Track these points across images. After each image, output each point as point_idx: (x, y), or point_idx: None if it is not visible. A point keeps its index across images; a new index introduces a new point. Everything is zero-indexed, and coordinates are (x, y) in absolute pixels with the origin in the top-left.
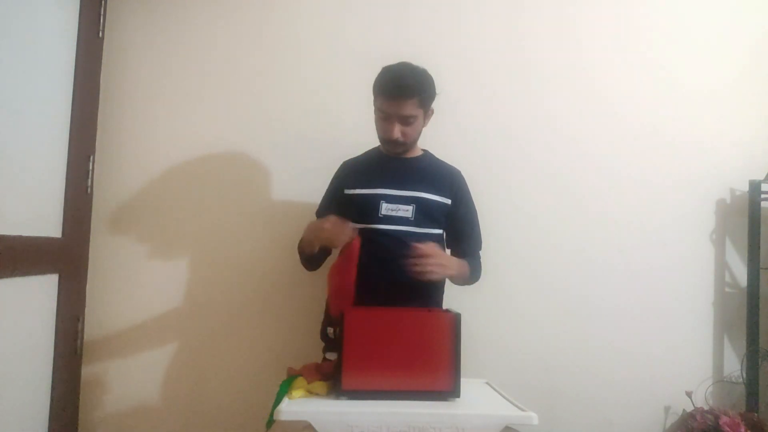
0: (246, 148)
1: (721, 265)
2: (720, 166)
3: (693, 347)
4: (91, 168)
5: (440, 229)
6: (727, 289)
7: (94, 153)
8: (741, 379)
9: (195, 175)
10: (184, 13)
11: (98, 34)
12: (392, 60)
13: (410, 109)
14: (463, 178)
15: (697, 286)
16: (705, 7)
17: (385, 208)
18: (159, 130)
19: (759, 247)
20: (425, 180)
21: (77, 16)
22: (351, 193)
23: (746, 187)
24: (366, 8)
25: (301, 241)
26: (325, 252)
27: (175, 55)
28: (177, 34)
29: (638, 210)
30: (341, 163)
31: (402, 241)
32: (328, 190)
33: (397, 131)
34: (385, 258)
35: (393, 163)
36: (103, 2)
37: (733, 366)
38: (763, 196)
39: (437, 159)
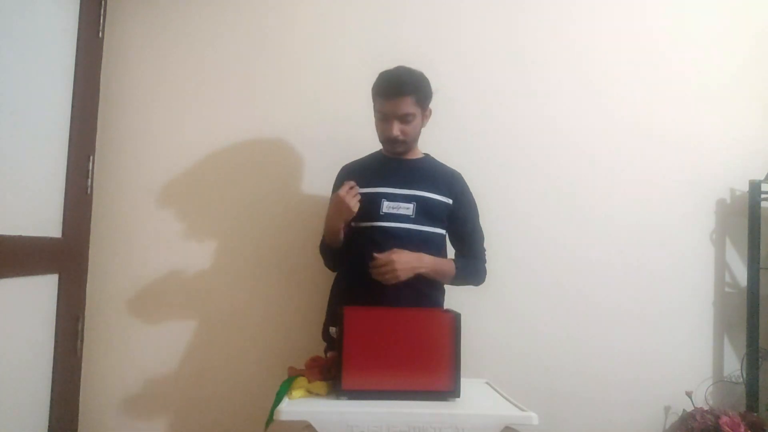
0: (246, 148)
1: (721, 265)
2: (720, 166)
3: (693, 347)
4: (91, 168)
5: (442, 229)
6: (727, 289)
7: (94, 153)
8: (741, 379)
9: (195, 175)
10: (184, 13)
11: (98, 34)
12: (392, 59)
13: (407, 107)
14: (464, 180)
15: (697, 286)
16: (705, 7)
17: (386, 206)
18: (159, 129)
19: (759, 247)
20: (426, 180)
21: (77, 16)
22: None
23: (746, 187)
24: (366, 9)
25: (323, 237)
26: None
27: (175, 55)
28: (177, 34)
29: (638, 210)
30: (341, 167)
31: (403, 239)
32: (332, 194)
33: (396, 129)
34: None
35: (394, 164)
36: (103, 2)
37: (733, 366)
38: (763, 196)
39: (438, 162)
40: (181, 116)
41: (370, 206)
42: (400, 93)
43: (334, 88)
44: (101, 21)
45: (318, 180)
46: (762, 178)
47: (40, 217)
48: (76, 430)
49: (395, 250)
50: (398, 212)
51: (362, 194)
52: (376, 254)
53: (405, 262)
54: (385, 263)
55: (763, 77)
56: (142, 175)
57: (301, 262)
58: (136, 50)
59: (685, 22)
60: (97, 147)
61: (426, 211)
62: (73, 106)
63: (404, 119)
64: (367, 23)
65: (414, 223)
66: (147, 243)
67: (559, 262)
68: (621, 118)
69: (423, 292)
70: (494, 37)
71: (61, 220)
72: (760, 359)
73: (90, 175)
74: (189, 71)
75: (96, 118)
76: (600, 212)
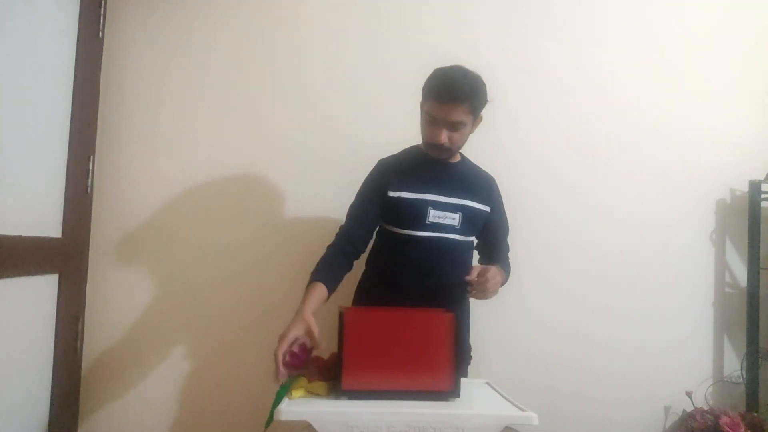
0: (246, 149)
1: (721, 265)
2: (720, 166)
3: (693, 347)
4: (91, 168)
5: (475, 236)
6: (727, 289)
7: (94, 153)
8: (741, 379)
9: (195, 175)
10: (184, 13)
11: (98, 34)
12: (394, 64)
13: (459, 115)
14: (497, 185)
15: (697, 286)
16: (704, 8)
17: (433, 215)
18: (159, 129)
19: (759, 247)
20: (468, 187)
21: (77, 16)
22: (396, 196)
23: (746, 187)
24: (369, 12)
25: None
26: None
27: (175, 55)
28: (177, 34)
29: (639, 210)
30: (377, 161)
31: (446, 249)
32: (365, 189)
33: (444, 136)
34: (428, 265)
35: (438, 168)
36: (103, 2)
37: (733, 366)
38: (763, 196)
39: (475, 165)
40: (181, 116)
41: (416, 213)
42: (454, 100)
43: (336, 90)
44: (101, 21)
45: (322, 180)
46: (762, 178)
47: (40, 217)
48: (76, 430)
49: (488, 267)
50: (444, 222)
51: (408, 199)
52: (479, 272)
53: (497, 276)
54: (492, 277)
55: (763, 77)
56: (142, 175)
57: (302, 262)
58: (136, 50)
59: (686, 23)
60: (97, 147)
61: (469, 221)
62: (73, 106)
63: (454, 127)
64: (371, 26)
65: (458, 233)
66: (147, 243)
67: (559, 262)
68: (622, 118)
69: (458, 299)
70: (500, 40)
71: (61, 220)
72: (760, 359)
73: (90, 175)
74: (189, 71)
75: (96, 118)
76: (600, 212)
